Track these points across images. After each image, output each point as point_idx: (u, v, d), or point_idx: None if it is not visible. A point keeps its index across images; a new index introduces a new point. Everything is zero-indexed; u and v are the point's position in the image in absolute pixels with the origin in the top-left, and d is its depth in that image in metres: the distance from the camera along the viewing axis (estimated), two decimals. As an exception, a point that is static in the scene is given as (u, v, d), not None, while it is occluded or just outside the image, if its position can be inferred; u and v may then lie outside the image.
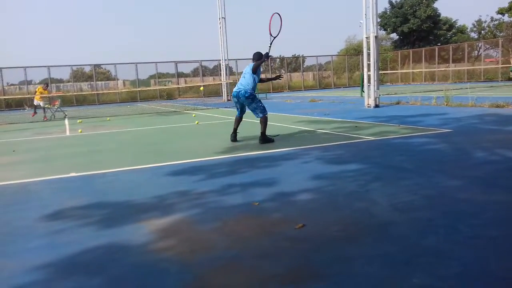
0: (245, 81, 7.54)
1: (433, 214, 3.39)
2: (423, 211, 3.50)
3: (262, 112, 7.51)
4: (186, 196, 4.33)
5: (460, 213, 3.38)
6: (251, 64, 7.65)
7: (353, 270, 2.52)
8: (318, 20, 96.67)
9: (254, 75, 7.51)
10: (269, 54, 7.63)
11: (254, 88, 7.57)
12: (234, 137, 7.78)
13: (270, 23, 7.79)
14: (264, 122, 7.48)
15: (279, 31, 7.84)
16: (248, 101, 7.53)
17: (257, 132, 7.50)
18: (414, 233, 3.03)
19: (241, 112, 7.88)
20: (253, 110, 7.61)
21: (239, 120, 7.90)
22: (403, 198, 3.87)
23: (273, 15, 7.86)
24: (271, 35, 7.77)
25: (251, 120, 7.70)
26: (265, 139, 7.45)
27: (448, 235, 2.95)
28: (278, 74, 8.13)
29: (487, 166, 5.00)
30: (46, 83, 19.02)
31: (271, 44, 7.69)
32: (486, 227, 3.08)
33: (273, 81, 36.68)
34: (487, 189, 4.04)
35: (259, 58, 7.56)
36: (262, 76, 8.21)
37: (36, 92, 17.99)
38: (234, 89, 7.69)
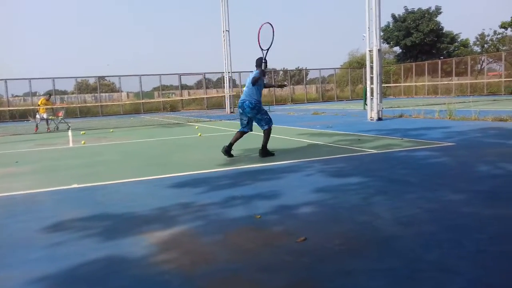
0: (248, 91, 7.31)
1: (437, 228, 3.36)
2: (426, 225, 3.47)
3: (267, 124, 7.33)
4: (188, 208, 4.31)
5: (464, 227, 3.35)
6: (252, 74, 7.36)
7: (355, 285, 2.49)
8: (322, 33, 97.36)
9: (256, 87, 7.26)
10: (265, 70, 7.31)
11: (258, 98, 7.29)
12: (227, 150, 7.28)
13: (259, 35, 7.36)
14: (267, 134, 7.33)
15: (271, 43, 7.37)
16: (253, 112, 7.28)
17: (259, 144, 7.46)
18: (417, 247, 2.99)
19: (246, 126, 7.45)
20: (259, 122, 7.39)
21: (239, 135, 7.47)
22: (406, 211, 3.84)
23: (262, 25, 7.40)
24: (261, 48, 7.36)
25: (254, 132, 7.68)
26: (266, 153, 7.29)
27: (452, 250, 2.91)
28: (282, 83, 7.89)
29: (491, 180, 4.97)
30: (49, 94, 19.05)
31: (265, 58, 7.26)
32: (490, 242, 3.05)
33: (276, 93, 36.96)
34: (491, 203, 4.01)
35: (260, 64, 7.30)
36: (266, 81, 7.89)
37: (39, 104, 17.77)
38: (240, 99, 7.48)
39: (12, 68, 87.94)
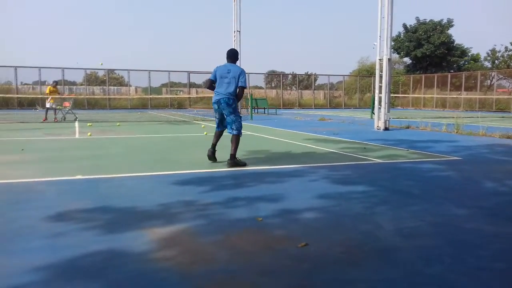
0: (230, 88, 6.63)
1: (439, 242, 3.34)
2: (429, 238, 3.45)
3: (237, 129, 6.70)
4: (190, 206, 4.31)
5: (466, 243, 3.33)
6: (235, 68, 6.72)
7: (354, 294, 2.47)
8: (332, 40, 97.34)
9: (243, 85, 6.68)
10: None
11: (235, 98, 6.72)
12: (211, 153, 6.84)
13: None
14: (236, 141, 6.67)
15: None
16: (229, 110, 6.68)
17: (267, 146, 7.44)
18: (418, 260, 2.97)
19: (221, 124, 6.97)
20: (230, 123, 6.75)
21: (219, 135, 6.99)
22: (409, 223, 3.82)
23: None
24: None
25: (260, 134, 7.67)
26: (235, 163, 6.60)
27: (454, 265, 2.89)
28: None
29: (495, 196, 4.94)
30: (55, 81, 18.71)
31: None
32: (492, 259, 3.03)
33: (284, 97, 36.91)
34: (495, 220, 3.98)
35: (236, 57, 6.82)
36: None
37: (47, 93, 17.41)
38: (217, 95, 6.75)
39: (24, 56, 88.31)
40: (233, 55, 6.89)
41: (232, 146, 6.66)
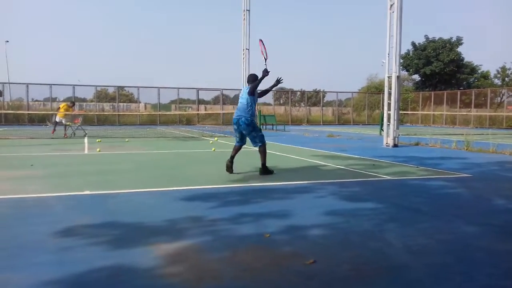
0: (242, 107, 7.30)
1: (449, 260, 3.29)
2: (438, 256, 3.39)
3: (261, 141, 7.32)
4: (197, 222, 4.29)
5: (477, 261, 3.27)
6: (245, 88, 7.44)
7: (363, 312, 2.43)
8: (341, 57, 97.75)
9: (252, 97, 7.29)
10: (268, 70, 7.36)
11: (253, 113, 7.32)
12: (230, 165, 7.34)
13: (261, 49, 7.79)
14: (264, 152, 7.30)
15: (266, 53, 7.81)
16: (248, 129, 7.27)
17: (275, 163, 7.45)
18: (428, 279, 2.92)
19: (241, 140, 7.55)
20: (253, 139, 7.37)
21: (238, 149, 7.55)
22: (418, 241, 3.77)
23: (260, 41, 7.83)
24: (265, 58, 7.75)
25: (268, 151, 7.64)
26: (266, 171, 7.29)
27: (464, 283, 2.84)
28: (278, 78, 7.33)
29: (506, 214, 4.87)
30: (72, 102, 19.17)
31: (266, 64, 7.65)
32: (504, 277, 2.97)
33: (292, 113, 37.01)
34: (505, 238, 3.92)
35: (255, 80, 7.38)
36: (261, 88, 7.74)
37: (59, 108, 17.90)
38: (234, 116, 7.42)
39: (34, 73, 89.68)
40: (250, 80, 7.49)
41: (262, 156, 7.30)
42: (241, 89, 7.46)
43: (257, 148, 7.41)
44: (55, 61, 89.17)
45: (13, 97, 32.10)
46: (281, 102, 42.82)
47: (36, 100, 33.72)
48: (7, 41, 57.40)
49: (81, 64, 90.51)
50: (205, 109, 37.08)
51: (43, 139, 15.59)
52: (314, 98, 46.62)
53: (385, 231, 4.06)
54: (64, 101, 27.69)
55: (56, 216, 4.48)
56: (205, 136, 18.61)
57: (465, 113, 33.70)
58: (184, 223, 4.23)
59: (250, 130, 7.29)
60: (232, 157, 7.42)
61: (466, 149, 12.60)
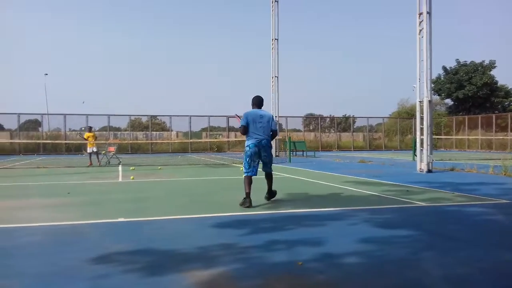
0: (265, 130, 7.07)
1: (490, 290, 3.16)
2: (478, 285, 3.26)
3: (271, 167, 7.44)
4: (229, 249, 4.29)
5: (521, 292, 3.13)
6: (266, 113, 7.23)
7: None
8: (370, 82, 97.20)
9: (275, 128, 7.22)
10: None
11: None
12: (250, 204, 6.78)
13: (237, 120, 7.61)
14: (272, 176, 7.43)
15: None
16: (269, 151, 7.26)
17: (306, 189, 7.40)
18: (469, 309, 2.81)
19: (255, 168, 7.13)
20: (268, 163, 7.29)
21: (251, 181, 7.05)
22: (457, 270, 3.64)
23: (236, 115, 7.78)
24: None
25: (298, 177, 7.62)
26: (273, 194, 7.45)
27: (508, 315, 2.72)
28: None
29: (551, 242, 4.65)
30: (89, 127, 19.76)
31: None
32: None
33: (322, 139, 36.81)
34: (551, 268, 3.74)
35: (260, 102, 7.35)
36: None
37: (87, 139, 17.84)
38: (255, 138, 7.04)
39: (71, 103, 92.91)
40: (259, 102, 7.40)
41: (271, 180, 7.38)
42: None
43: (265, 172, 7.38)
44: (90, 94, 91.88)
45: (51, 127, 33.37)
46: (311, 128, 42.75)
47: (73, 130, 34.86)
48: (46, 74, 60.07)
49: (114, 96, 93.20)
50: (235, 136, 37.39)
51: (80, 167, 16.03)
52: (343, 123, 46.37)
53: (421, 260, 3.94)
54: (98, 130, 28.42)
55: (92, 243, 4.57)
56: (235, 163, 18.70)
57: (501, 137, 32.70)
58: (216, 250, 4.23)
59: (270, 152, 7.31)
60: (249, 194, 6.89)
61: (504, 174, 12.18)
